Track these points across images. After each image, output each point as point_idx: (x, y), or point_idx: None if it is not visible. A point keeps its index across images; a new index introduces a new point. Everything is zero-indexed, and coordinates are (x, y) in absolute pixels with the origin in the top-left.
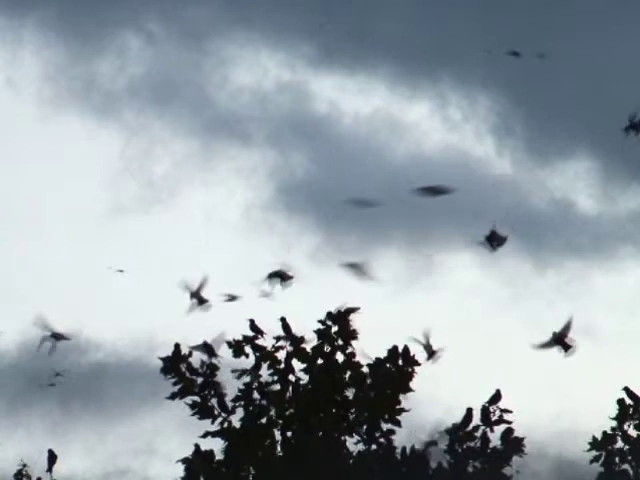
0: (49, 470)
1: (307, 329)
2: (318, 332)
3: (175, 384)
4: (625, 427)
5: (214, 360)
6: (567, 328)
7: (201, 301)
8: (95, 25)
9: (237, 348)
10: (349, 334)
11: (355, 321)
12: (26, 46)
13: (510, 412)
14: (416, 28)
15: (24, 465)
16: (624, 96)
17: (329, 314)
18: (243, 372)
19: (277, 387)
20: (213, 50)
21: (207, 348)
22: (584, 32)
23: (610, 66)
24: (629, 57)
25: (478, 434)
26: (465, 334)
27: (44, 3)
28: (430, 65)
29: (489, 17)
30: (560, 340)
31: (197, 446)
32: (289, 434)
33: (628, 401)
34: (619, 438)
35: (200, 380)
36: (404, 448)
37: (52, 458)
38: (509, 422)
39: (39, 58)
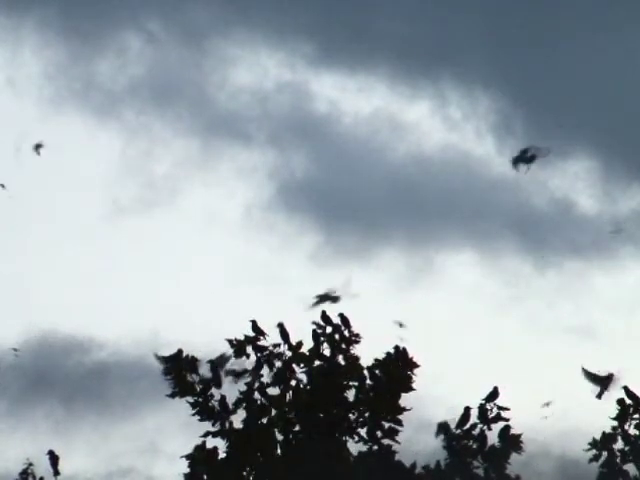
0: (56, 473)
1: (306, 330)
2: (313, 333)
3: (175, 387)
4: (626, 427)
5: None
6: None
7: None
8: (95, 25)
9: (238, 348)
10: (350, 338)
11: (356, 324)
12: (26, 46)
13: (507, 409)
14: (416, 27)
15: (30, 464)
16: (624, 96)
17: (324, 315)
18: (244, 372)
19: (277, 390)
20: (213, 50)
21: (213, 367)
22: (584, 32)
23: (610, 66)
24: (629, 57)
25: (476, 432)
26: (465, 334)
27: (44, 3)
28: (430, 64)
29: (489, 17)
30: (603, 381)
31: (204, 442)
32: (290, 436)
33: (628, 401)
34: (620, 438)
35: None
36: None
37: (54, 459)
38: (506, 419)
39: (39, 58)
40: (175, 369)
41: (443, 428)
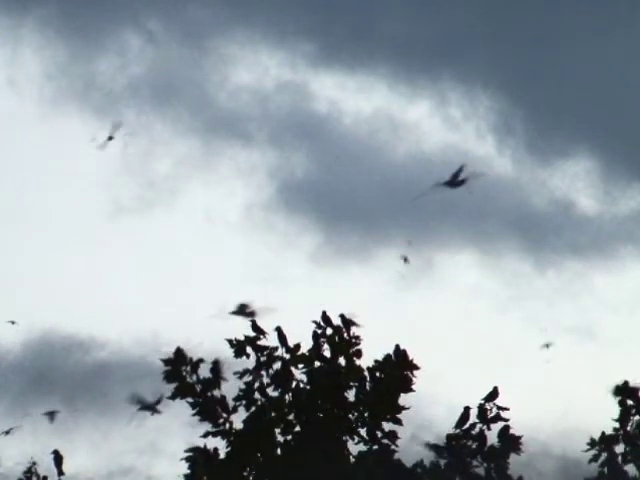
0: (60, 473)
1: (306, 330)
2: (313, 334)
3: (176, 389)
4: (628, 428)
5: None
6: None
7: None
8: (95, 24)
9: (238, 348)
10: (350, 340)
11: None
12: (26, 45)
13: (507, 409)
14: (416, 27)
15: (33, 463)
16: (625, 96)
17: (324, 316)
18: (245, 372)
19: (277, 393)
20: (213, 49)
21: (214, 367)
22: (584, 32)
23: (610, 66)
24: (629, 57)
25: (475, 432)
26: (465, 334)
27: (44, 2)
28: (430, 64)
29: (489, 16)
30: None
31: (205, 445)
32: (290, 436)
33: (629, 402)
34: (621, 439)
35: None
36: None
37: (58, 459)
38: (506, 419)
39: (39, 57)
40: (175, 371)
41: (435, 448)
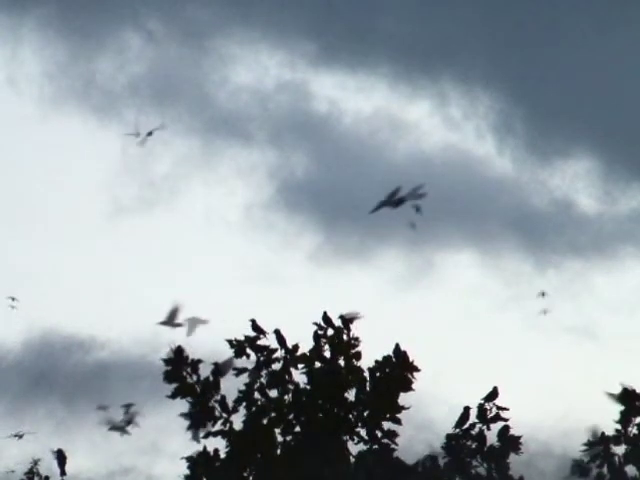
0: (63, 473)
1: (306, 329)
2: (314, 335)
3: (176, 389)
4: (629, 428)
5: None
6: None
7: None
8: (95, 24)
9: (238, 348)
10: (350, 342)
11: (356, 325)
12: (26, 45)
13: (506, 409)
14: (416, 27)
15: (36, 462)
16: (625, 96)
17: (325, 317)
18: (243, 370)
19: (276, 393)
20: (213, 49)
21: (215, 369)
22: (585, 32)
23: (611, 66)
24: (630, 57)
25: (475, 432)
26: (465, 334)
27: (44, 2)
28: (430, 64)
29: (489, 17)
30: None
31: (204, 447)
32: (290, 437)
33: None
34: (622, 439)
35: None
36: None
37: (62, 458)
38: (505, 419)
39: (39, 57)
40: (176, 371)
41: (430, 459)
